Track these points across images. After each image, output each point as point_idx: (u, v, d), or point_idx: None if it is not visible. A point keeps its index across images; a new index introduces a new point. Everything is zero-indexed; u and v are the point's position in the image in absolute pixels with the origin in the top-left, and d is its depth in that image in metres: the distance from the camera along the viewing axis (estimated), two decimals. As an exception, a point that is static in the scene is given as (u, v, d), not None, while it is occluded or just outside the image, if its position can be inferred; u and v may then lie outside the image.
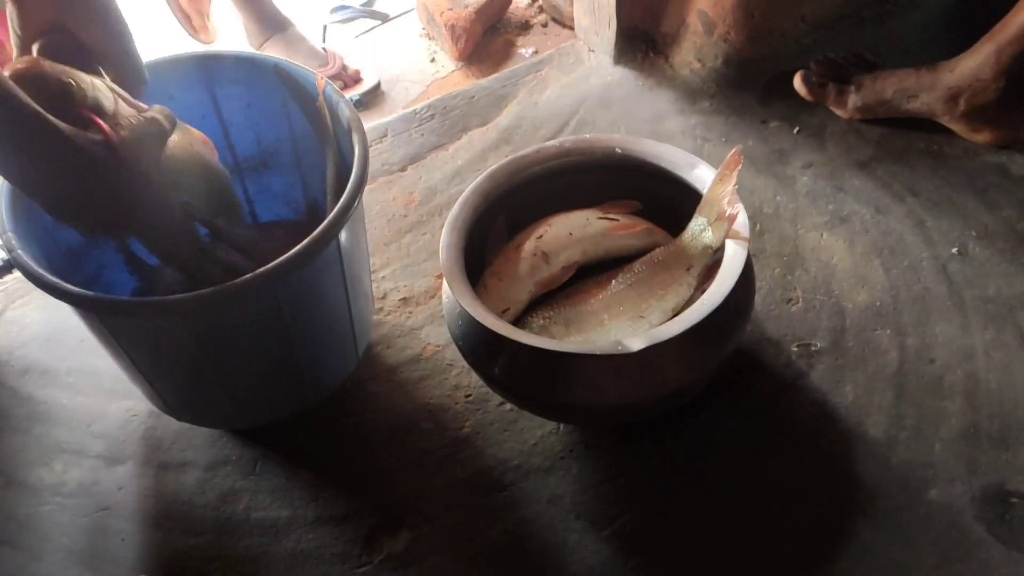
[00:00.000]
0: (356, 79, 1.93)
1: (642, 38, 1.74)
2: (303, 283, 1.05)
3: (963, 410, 1.17)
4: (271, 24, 1.97)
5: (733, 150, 1.10)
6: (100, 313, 1.01)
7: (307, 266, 1.00)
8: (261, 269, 0.96)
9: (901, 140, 1.52)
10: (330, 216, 1.01)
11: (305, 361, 1.14)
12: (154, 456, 1.22)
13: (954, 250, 1.34)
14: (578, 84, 1.73)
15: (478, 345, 1.10)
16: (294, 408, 1.22)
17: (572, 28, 1.89)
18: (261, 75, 1.20)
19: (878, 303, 1.29)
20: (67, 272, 1.06)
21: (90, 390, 1.30)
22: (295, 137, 1.25)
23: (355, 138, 1.09)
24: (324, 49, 1.96)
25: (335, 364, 1.22)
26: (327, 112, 1.15)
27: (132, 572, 1.11)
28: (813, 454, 1.15)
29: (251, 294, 0.98)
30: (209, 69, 1.21)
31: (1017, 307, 1.27)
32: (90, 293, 0.97)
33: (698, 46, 1.68)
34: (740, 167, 1.11)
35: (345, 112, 1.13)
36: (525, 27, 2.08)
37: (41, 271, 0.98)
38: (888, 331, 1.26)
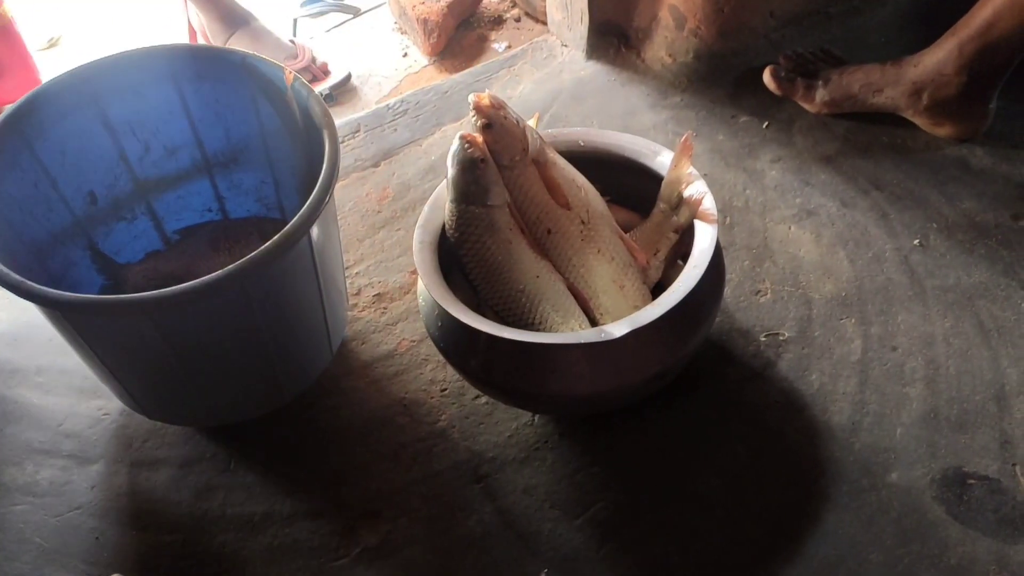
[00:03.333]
0: (325, 72, 1.93)
1: (614, 33, 1.76)
2: (273, 280, 1.05)
3: (923, 396, 1.20)
4: (233, 19, 1.93)
5: (684, 136, 1.13)
6: (67, 313, 1.01)
7: (276, 263, 1.01)
8: (229, 267, 0.96)
9: (866, 135, 1.54)
10: (299, 214, 1.01)
11: (278, 357, 1.14)
12: (126, 454, 1.23)
13: (916, 242, 1.37)
14: (551, 79, 1.74)
15: (454, 340, 1.12)
16: (267, 405, 1.22)
17: (545, 23, 1.90)
18: (229, 69, 1.20)
19: (843, 293, 1.32)
20: (33, 270, 1.06)
21: (60, 389, 1.30)
22: (264, 132, 1.25)
23: (325, 134, 1.10)
24: (292, 42, 1.95)
25: (308, 360, 1.22)
26: (296, 107, 1.16)
27: (107, 571, 1.12)
28: (780, 440, 1.18)
29: (220, 291, 0.98)
30: (176, 64, 1.20)
31: (975, 296, 1.29)
32: (56, 292, 0.97)
33: (669, 41, 1.70)
34: (692, 151, 1.14)
35: (315, 107, 1.13)
36: (498, 22, 2.09)
37: (6, 270, 0.98)
38: (852, 320, 1.28)
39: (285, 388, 1.21)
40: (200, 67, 1.21)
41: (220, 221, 1.38)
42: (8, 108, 1.15)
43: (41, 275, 1.08)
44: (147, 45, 1.23)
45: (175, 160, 1.30)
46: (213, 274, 0.96)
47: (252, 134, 1.26)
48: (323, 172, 1.06)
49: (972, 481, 1.12)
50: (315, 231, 1.05)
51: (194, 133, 1.27)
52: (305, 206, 1.02)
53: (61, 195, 1.21)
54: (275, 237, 0.99)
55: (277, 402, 1.23)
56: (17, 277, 0.97)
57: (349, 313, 1.35)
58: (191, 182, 1.33)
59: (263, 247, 0.98)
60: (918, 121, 1.51)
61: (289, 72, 1.16)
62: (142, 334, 1.03)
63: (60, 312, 1.01)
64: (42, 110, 1.16)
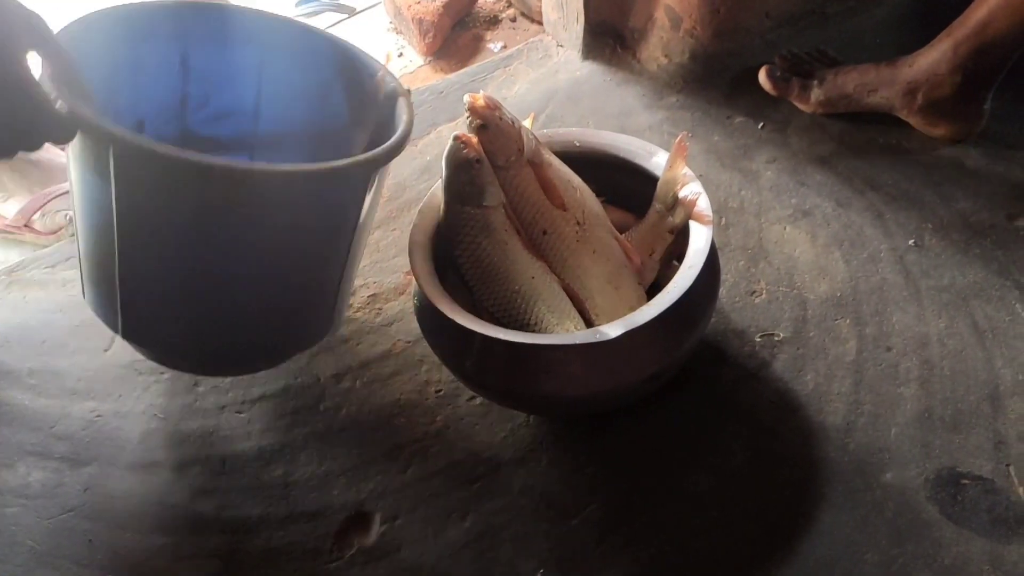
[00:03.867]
0: None
1: (610, 33, 1.76)
2: (374, 198, 1.09)
3: (918, 396, 1.20)
4: None
5: (679, 137, 1.13)
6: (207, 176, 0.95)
7: (380, 169, 1.05)
8: (370, 153, 1.01)
9: (862, 135, 1.54)
10: (394, 137, 1.05)
11: (344, 283, 1.15)
12: (120, 457, 1.23)
13: (911, 242, 1.37)
14: (547, 79, 1.74)
15: (449, 341, 1.12)
16: (285, 350, 1.20)
17: (541, 23, 1.90)
18: (319, 51, 1.21)
19: (838, 294, 1.32)
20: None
21: (53, 391, 1.30)
22: (321, 123, 1.24)
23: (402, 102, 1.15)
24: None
25: (343, 303, 1.21)
26: (380, 95, 1.18)
27: (100, 573, 1.11)
28: (775, 441, 1.18)
29: (356, 175, 1.02)
30: (266, 32, 1.21)
31: (970, 296, 1.30)
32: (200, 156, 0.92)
33: (665, 41, 1.70)
34: (687, 152, 1.14)
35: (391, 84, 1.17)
36: (494, 22, 2.09)
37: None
38: (847, 321, 1.29)
39: (304, 336, 1.19)
40: (291, 42, 1.21)
41: None
42: (96, 11, 1.11)
43: None
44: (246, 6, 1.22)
45: (221, 125, 1.27)
46: (354, 158, 1.00)
47: (307, 121, 1.25)
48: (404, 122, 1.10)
49: (966, 481, 1.12)
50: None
51: (255, 103, 1.26)
52: (397, 134, 1.06)
53: (115, 111, 1.15)
54: (391, 140, 1.04)
55: (294, 348, 1.21)
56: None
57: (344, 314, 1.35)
58: (229, 152, 1.29)
59: (391, 141, 1.04)
60: (913, 121, 1.51)
61: (382, 74, 1.17)
62: (275, 200, 1.00)
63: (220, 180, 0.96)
64: (127, 24, 1.13)
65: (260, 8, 1.24)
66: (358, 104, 1.20)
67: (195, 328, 1.11)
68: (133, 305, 1.07)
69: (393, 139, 1.04)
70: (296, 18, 1.28)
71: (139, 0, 1.14)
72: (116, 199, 0.97)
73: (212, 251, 1.03)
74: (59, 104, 0.90)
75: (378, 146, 1.05)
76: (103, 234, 1.03)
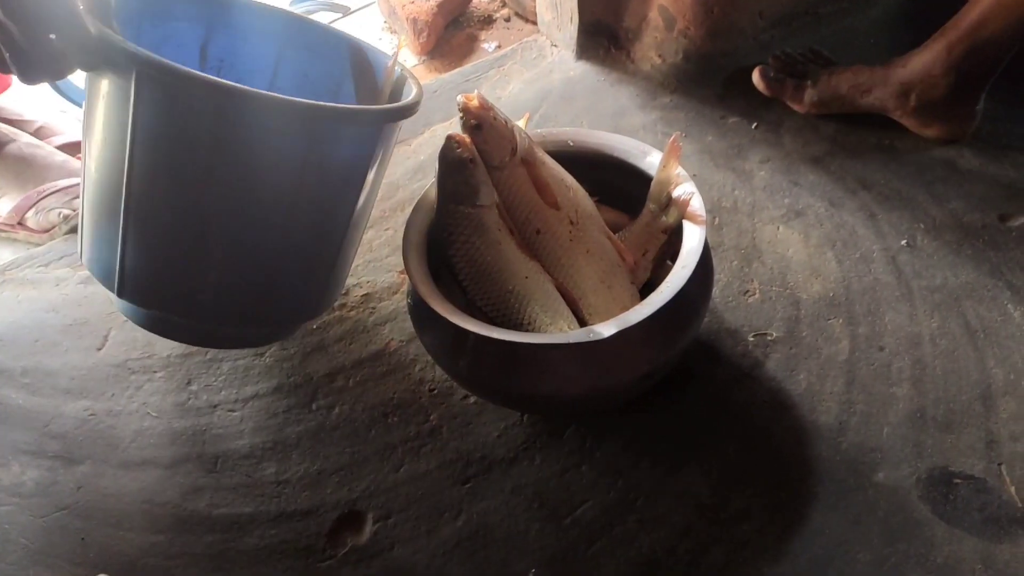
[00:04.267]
0: None
1: (604, 33, 1.76)
2: (386, 152, 1.13)
3: (910, 395, 1.20)
4: None
5: (672, 137, 1.13)
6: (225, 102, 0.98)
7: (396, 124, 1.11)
8: (384, 106, 1.06)
9: (855, 135, 1.55)
10: (408, 98, 1.10)
11: (345, 245, 1.16)
12: (113, 455, 1.23)
13: (903, 242, 1.38)
14: (541, 79, 1.74)
15: (443, 340, 1.12)
16: (280, 319, 1.19)
17: (535, 23, 1.90)
18: (333, 46, 1.24)
19: (831, 294, 1.32)
20: None
21: (46, 390, 1.30)
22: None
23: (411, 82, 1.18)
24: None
25: (342, 274, 1.23)
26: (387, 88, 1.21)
27: (92, 571, 1.11)
28: (768, 440, 1.18)
29: (374, 125, 1.07)
30: (290, 28, 1.25)
31: (962, 296, 1.30)
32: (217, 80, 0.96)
33: (659, 41, 1.70)
34: (680, 152, 1.14)
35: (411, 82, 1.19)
36: (488, 21, 2.09)
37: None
38: (840, 320, 1.29)
39: (309, 307, 1.19)
40: (309, 39, 1.23)
41: None
42: None
43: None
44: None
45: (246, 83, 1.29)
46: (372, 107, 1.06)
47: (321, 92, 1.26)
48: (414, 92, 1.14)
49: (958, 481, 1.12)
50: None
51: (275, 66, 1.29)
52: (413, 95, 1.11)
53: None
54: (399, 102, 1.09)
55: (297, 318, 1.22)
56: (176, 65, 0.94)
57: (337, 313, 1.35)
58: None
59: (398, 104, 1.09)
60: (906, 122, 1.52)
61: (393, 61, 1.19)
62: (285, 146, 1.03)
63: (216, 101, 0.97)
64: (157, 4, 1.18)
65: (281, 7, 1.26)
66: (368, 98, 1.21)
67: (195, 282, 1.09)
68: (135, 256, 1.07)
69: (407, 100, 1.08)
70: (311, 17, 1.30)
71: None
72: (132, 127, 0.98)
73: (223, 186, 1.03)
74: (92, 27, 0.94)
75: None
76: (113, 171, 1.03)
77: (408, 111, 1.08)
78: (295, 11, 1.25)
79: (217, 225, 1.05)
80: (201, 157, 1.00)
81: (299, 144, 1.02)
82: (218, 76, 1.16)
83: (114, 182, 1.03)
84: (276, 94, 0.96)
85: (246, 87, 0.96)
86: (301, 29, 1.23)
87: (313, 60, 1.23)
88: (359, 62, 1.21)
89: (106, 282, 1.10)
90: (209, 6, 1.21)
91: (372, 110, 1.06)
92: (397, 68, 1.18)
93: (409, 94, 1.15)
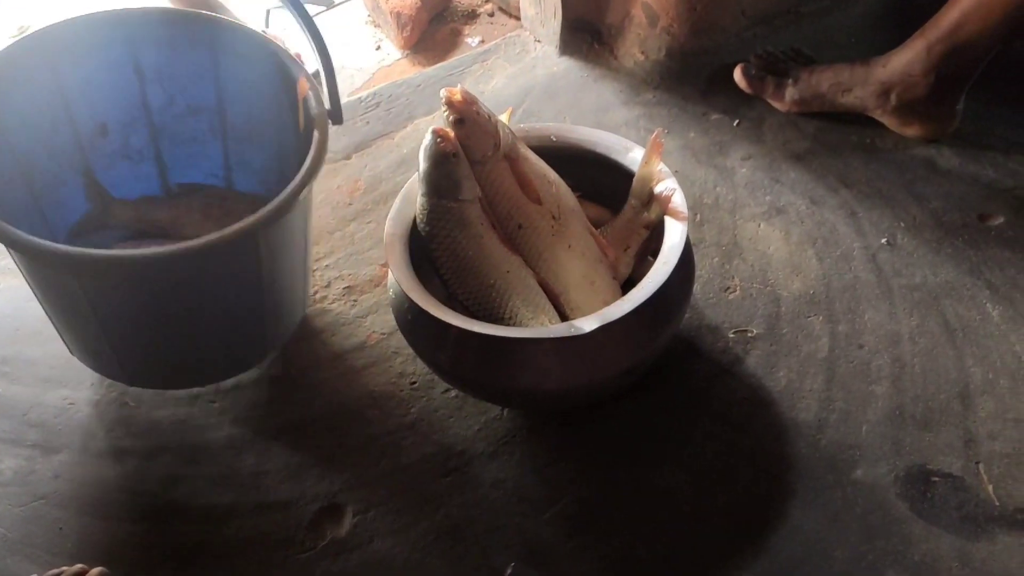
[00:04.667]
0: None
1: (587, 29, 1.76)
2: (282, 229, 1.09)
3: (889, 393, 1.21)
4: (207, 9, 1.92)
5: (654, 133, 1.14)
6: (78, 273, 1.03)
7: (286, 216, 1.05)
8: (252, 218, 1.01)
9: (836, 133, 1.55)
10: (302, 171, 1.06)
11: (269, 310, 1.17)
12: (92, 444, 1.22)
13: (884, 240, 1.38)
14: (524, 74, 1.74)
15: (424, 333, 1.12)
16: (250, 362, 1.25)
17: (518, 18, 1.89)
18: (260, 53, 1.22)
19: (811, 291, 1.33)
20: (14, 181, 1.13)
21: (26, 379, 1.29)
22: (280, 121, 1.25)
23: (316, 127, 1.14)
24: (264, 32, 1.94)
25: (290, 313, 1.25)
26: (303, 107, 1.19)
27: (70, 561, 1.10)
28: (747, 436, 1.18)
29: (242, 242, 1.02)
30: (214, 32, 1.24)
31: (941, 295, 1.31)
32: (65, 247, 1.00)
33: (642, 38, 1.70)
34: (662, 148, 1.15)
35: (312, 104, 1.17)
36: (472, 16, 2.08)
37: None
38: (820, 318, 1.29)
39: (270, 341, 1.23)
40: (238, 44, 1.23)
41: (222, 188, 1.38)
42: (39, 28, 1.19)
43: (20, 188, 1.13)
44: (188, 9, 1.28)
45: (195, 120, 1.32)
46: (235, 226, 1.00)
47: (270, 119, 1.26)
48: (315, 142, 1.10)
49: (936, 479, 1.13)
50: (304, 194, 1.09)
51: (218, 100, 1.29)
52: (309, 160, 1.08)
53: (71, 117, 1.24)
54: (288, 187, 1.04)
55: (261, 358, 1.26)
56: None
57: (319, 305, 1.35)
58: (205, 144, 1.35)
59: (277, 199, 1.03)
60: (886, 121, 1.52)
61: (304, 80, 1.18)
62: (155, 289, 1.06)
63: (69, 273, 1.03)
64: (76, 36, 1.20)
65: (199, 11, 1.27)
66: (292, 106, 1.22)
67: (184, 361, 1.21)
68: (128, 363, 1.19)
69: (273, 203, 1.05)
70: (234, 19, 1.31)
71: (76, 16, 1.20)
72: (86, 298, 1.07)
73: (179, 313, 1.11)
74: None
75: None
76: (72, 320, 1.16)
77: (250, 230, 1.04)
78: (219, 16, 1.26)
79: (197, 332, 1.16)
80: (158, 302, 1.10)
81: (248, 254, 1.07)
82: (170, 101, 1.29)
83: (72, 320, 1.16)
84: (96, 252, 1.03)
85: (87, 251, 1.02)
86: (227, 34, 1.23)
87: (244, 63, 1.24)
88: (280, 68, 1.21)
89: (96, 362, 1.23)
90: (129, 26, 1.22)
91: (199, 247, 1.02)
92: (311, 99, 1.17)
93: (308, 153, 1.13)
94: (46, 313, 1.17)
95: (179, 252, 0.99)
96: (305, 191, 1.07)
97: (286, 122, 1.24)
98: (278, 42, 1.89)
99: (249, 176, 1.36)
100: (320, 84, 1.19)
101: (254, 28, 1.25)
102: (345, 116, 1.62)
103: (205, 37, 1.23)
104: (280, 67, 1.19)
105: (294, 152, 1.18)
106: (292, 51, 1.91)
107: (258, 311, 1.16)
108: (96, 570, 0.98)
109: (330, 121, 1.16)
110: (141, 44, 1.23)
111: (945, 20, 1.40)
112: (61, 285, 1.09)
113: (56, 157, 1.25)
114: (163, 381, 1.25)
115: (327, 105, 1.17)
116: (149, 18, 1.23)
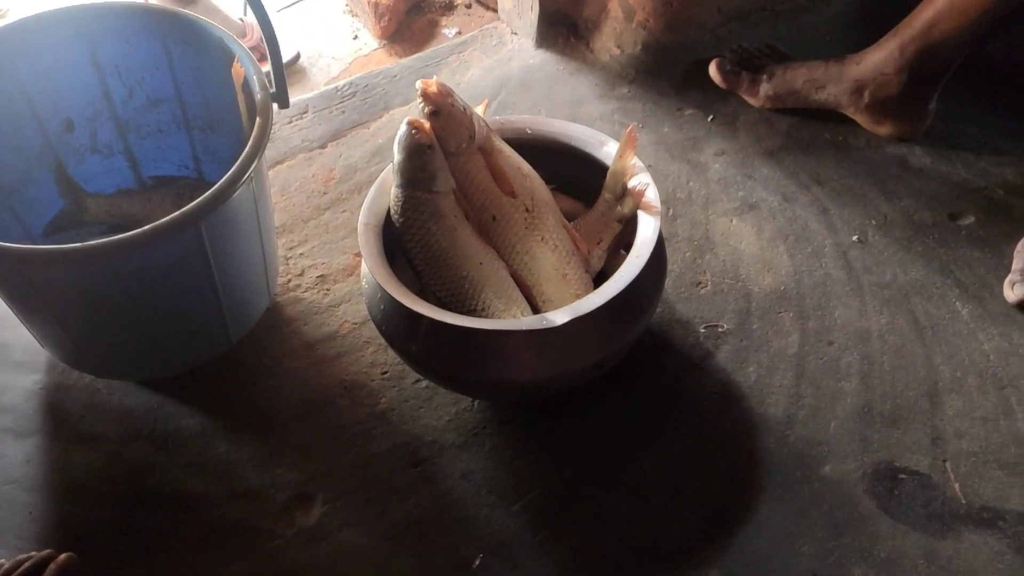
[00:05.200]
0: None
1: (564, 22, 1.76)
2: (226, 220, 1.08)
3: (858, 390, 1.22)
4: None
5: (629, 128, 1.14)
6: (21, 268, 1.03)
7: (226, 205, 1.04)
8: (188, 207, 1.00)
9: (809, 131, 1.56)
10: (242, 156, 1.05)
11: (226, 297, 1.15)
12: (63, 430, 1.21)
13: (855, 238, 1.39)
14: (500, 66, 1.74)
15: (396, 323, 1.11)
16: (215, 349, 1.24)
17: (496, 10, 1.89)
18: (208, 41, 1.21)
19: (782, 287, 1.34)
20: None
21: (-1, 363, 1.28)
22: (237, 107, 1.24)
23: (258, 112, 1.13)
24: (242, 20, 1.93)
25: (252, 302, 1.25)
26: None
27: (40, 546, 1.10)
28: (717, 431, 1.19)
29: (179, 232, 1.01)
30: (164, 23, 1.24)
31: (911, 293, 1.32)
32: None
33: (618, 32, 1.70)
34: (637, 143, 1.15)
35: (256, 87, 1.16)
36: (449, 7, 2.08)
37: None
38: (791, 314, 1.30)
39: (231, 330, 1.22)
40: (185, 32, 1.23)
41: (194, 180, 1.39)
42: None
43: None
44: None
45: (158, 112, 1.32)
46: (170, 216, 0.99)
47: (227, 106, 1.25)
48: (257, 126, 1.09)
49: (903, 476, 1.14)
50: (253, 181, 1.09)
51: (176, 90, 1.29)
52: (251, 141, 1.07)
53: (36, 114, 1.25)
54: (220, 181, 1.03)
55: (224, 346, 1.24)
56: None
57: (291, 294, 1.34)
58: (171, 136, 1.35)
59: (214, 188, 1.02)
60: (859, 119, 1.54)
61: (238, 64, 1.17)
62: (98, 280, 1.05)
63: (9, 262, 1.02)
64: (32, 34, 1.20)
65: (151, 3, 1.28)
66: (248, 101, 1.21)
67: (145, 353, 1.21)
68: (87, 353, 1.19)
69: (194, 203, 1.03)
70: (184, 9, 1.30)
71: (28, 15, 1.21)
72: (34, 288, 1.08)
73: (133, 303, 1.10)
74: None
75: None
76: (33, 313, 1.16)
77: (191, 216, 1.02)
78: (161, 5, 1.26)
79: (151, 322, 1.15)
80: (112, 292, 1.08)
81: (194, 242, 1.06)
82: (131, 93, 1.29)
83: (33, 313, 1.16)
84: (144, 231, 0.99)
85: (22, 247, 1.01)
86: (171, 23, 1.23)
87: (197, 53, 1.24)
88: (231, 57, 1.20)
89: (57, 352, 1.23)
90: (84, 21, 1.22)
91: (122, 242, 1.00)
92: (255, 82, 1.16)
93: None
94: (10, 308, 1.16)
95: (113, 244, 0.98)
96: (247, 176, 1.06)
97: (188, 87, 1.26)
98: (248, 29, 1.90)
99: (218, 166, 1.36)
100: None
101: (201, 17, 1.24)
102: (321, 105, 1.64)
103: (156, 28, 1.23)
104: (228, 53, 1.19)
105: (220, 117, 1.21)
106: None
107: (213, 300, 1.15)
108: (64, 555, 0.97)
109: (276, 104, 1.16)
110: (97, 37, 1.23)
111: (918, 20, 1.41)
112: (13, 280, 1.08)
113: (24, 154, 1.25)
114: (126, 371, 1.25)
115: (273, 88, 1.16)
116: (102, 11, 1.23)
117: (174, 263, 1.08)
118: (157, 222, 0.98)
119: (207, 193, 1.02)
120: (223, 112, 1.27)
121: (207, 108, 1.30)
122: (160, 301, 1.12)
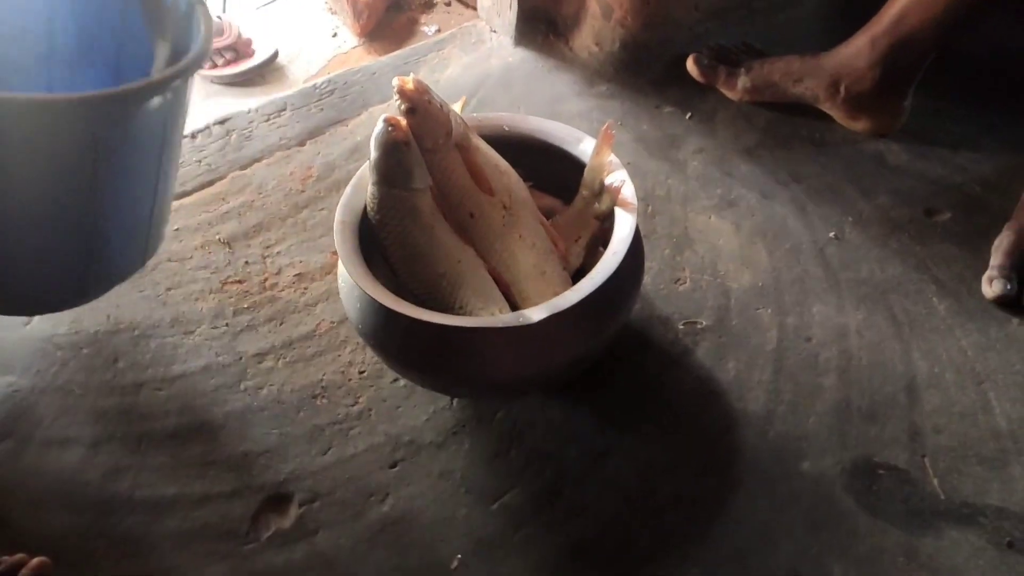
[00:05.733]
0: (252, 49, 1.91)
1: (543, 20, 1.76)
2: (123, 137, 0.99)
3: (836, 386, 1.22)
4: None
5: (605, 125, 1.14)
6: None
7: (132, 113, 0.96)
8: (88, 93, 0.91)
9: (786, 127, 1.57)
10: (173, 69, 0.98)
11: (101, 235, 1.06)
12: (35, 433, 1.20)
13: (832, 234, 1.40)
14: (479, 64, 1.73)
15: (374, 322, 1.11)
16: (67, 295, 1.14)
17: (475, 8, 1.89)
18: None
19: (761, 284, 1.34)
20: None
21: (-31, 364, 1.27)
22: (123, 28, 1.17)
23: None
24: (219, 18, 1.93)
25: (126, 254, 1.15)
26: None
27: (11, 551, 1.08)
28: (696, 427, 1.19)
29: (66, 124, 0.92)
30: None
31: (888, 289, 1.32)
32: None
33: (596, 30, 1.70)
34: (613, 140, 1.15)
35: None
36: (428, 5, 2.08)
37: None
38: (769, 310, 1.30)
39: (92, 279, 1.13)
40: None
41: None
42: None
43: None
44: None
45: (14, 45, 1.21)
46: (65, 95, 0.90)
47: (109, 38, 1.18)
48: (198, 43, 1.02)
49: (882, 472, 1.14)
50: (172, 105, 1.01)
51: (49, 24, 1.19)
52: (180, 65, 0.98)
53: None
54: (139, 81, 0.95)
55: (76, 299, 1.16)
56: None
57: (269, 292, 1.33)
58: (26, 74, 1.22)
59: (127, 86, 0.93)
60: (835, 114, 1.54)
61: None
62: None
63: None
64: None
65: None
66: (156, 18, 1.14)
67: None
68: None
69: (130, 85, 0.94)
70: None
71: None
72: None
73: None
74: None
75: (180, 60, 1.00)
76: None
77: (131, 95, 0.95)
78: None
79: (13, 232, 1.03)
80: None
81: (83, 145, 0.96)
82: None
83: None
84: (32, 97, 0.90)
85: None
86: None
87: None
88: None
89: None
90: None
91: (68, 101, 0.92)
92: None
93: (197, 32, 1.04)
94: None
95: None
96: (172, 89, 0.97)
97: (134, 36, 1.16)
98: (224, 27, 1.89)
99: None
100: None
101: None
102: (299, 103, 1.63)
103: None
104: None
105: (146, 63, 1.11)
106: (244, 36, 1.92)
107: (83, 233, 1.05)
108: (37, 560, 0.96)
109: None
110: None
111: (887, 14, 1.43)
112: None
113: None
114: None
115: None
116: None
117: (55, 166, 0.97)
118: (53, 96, 0.90)
119: (120, 88, 0.93)
120: (101, 44, 1.20)
121: (81, 42, 1.20)
122: (20, 202, 1.00)
